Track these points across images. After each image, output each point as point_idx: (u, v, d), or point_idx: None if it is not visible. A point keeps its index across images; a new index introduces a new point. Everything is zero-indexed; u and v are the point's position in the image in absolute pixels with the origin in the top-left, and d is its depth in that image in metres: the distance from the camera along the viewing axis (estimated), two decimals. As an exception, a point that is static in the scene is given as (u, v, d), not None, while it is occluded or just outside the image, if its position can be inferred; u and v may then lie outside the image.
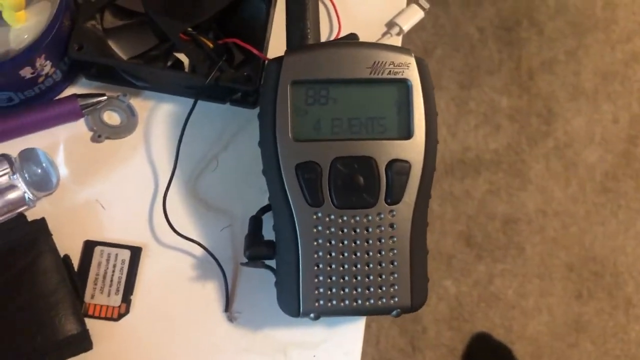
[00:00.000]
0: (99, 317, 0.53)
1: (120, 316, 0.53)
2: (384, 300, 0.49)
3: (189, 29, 0.55)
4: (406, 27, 0.61)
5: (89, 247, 0.54)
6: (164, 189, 0.54)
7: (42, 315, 0.51)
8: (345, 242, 0.48)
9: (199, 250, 0.55)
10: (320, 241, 0.48)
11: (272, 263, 0.51)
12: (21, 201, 0.53)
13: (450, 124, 1.36)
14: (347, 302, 0.48)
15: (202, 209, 0.56)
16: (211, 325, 0.54)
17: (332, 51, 0.49)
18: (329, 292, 0.48)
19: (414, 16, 0.62)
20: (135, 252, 0.54)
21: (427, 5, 0.62)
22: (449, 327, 1.25)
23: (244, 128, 0.58)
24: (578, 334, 1.27)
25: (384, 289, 0.49)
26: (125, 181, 0.56)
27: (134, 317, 0.53)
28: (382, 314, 0.50)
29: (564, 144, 1.37)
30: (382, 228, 0.48)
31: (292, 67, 0.48)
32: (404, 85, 0.49)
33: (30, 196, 0.53)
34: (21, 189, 0.53)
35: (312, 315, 0.49)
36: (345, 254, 0.48)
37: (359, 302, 0.48)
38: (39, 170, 0.54)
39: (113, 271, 0.54)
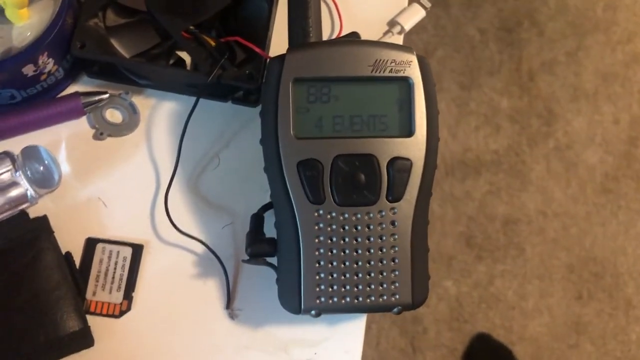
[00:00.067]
0: (101, 314, 0.53)
1: (122, 313, 0.53)
2: (385, 297, 0.49)
3: (191, 27, 0.56)
4: (407, 26, 0.61)
5: (91, 244, 0.54)
6: (166, 187, 0.55)
7: (43, 312, 0.51)
8: (347, 240, 0.48)
9: (200, 248, 0.55)
10: (321, 238, 0.48)
11: (273, 260, 0.51)
12: (23, 198, 0.53)
13: (451, 124, 1.36)
14: (348, 299, 0.49)
15: (204, 206, 0.56)
16: (212, 323, 0.54)
17: (334, 49, 0.50)
18: (330, 290, 0.48)
19: (415, 15, 0.62)
20: (137, 250, 0.54)
21: (428, 4, 0.62)
22: (449, 328, 1.25)
23: (245, 126, 0.58)
24: (578, 335, 1.27)
25: (385, 286, 0.49)
26: (127, 179, 0.56)
27: (136, 314, 0.53)
28: (383, 311, 0.50)
29: (564, 145, 1.37)
30: (383, 225, 0.49)
31: (294, 65, 0.49)
32: (406, 83, 0.49)
33: (33, 193, 0.53)
34: (23, 186, 0.53)
35: (313, 312, 0.49)
36: (347, 251, 0.48)
37: (360, 299, 0.49)
38: (41, 168, 0.54)
39: (115, 268, 0.54)
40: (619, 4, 1.47)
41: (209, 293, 0.54)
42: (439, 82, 1.36)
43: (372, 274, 0.49)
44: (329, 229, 0.48)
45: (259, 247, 0.51)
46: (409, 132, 0.49)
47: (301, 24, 0.52)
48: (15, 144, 0.55)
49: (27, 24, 0.53)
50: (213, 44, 0.55)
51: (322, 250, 0.48)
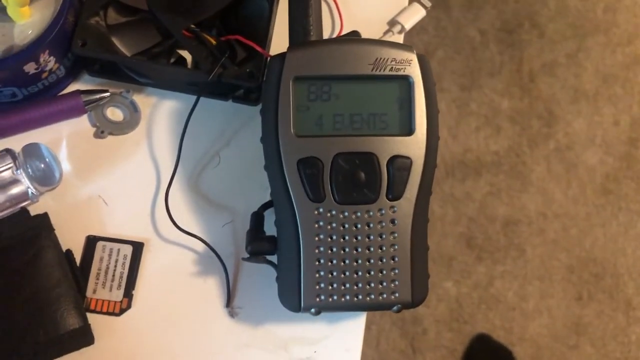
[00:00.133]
0: (101, 312, 0.53)
1: (122, 311, 0.53)
2: (385, 295, 0.49)
3: (192, 26, 0.56)
4: (408, 25, 0.61)
5: (91, 242, 0.54)
6: (166, 185, 0.55)
7: (44, 309, 0.51)
8: (347, 238, 0.49)
9: (200, 246, 0.55)
10: (321, 236, 0.48)
11: (273, 258, 0.51)
12: (24, 196, 0.53)
13: (451, 125, 1.36)
14: (348, 297, 0.49)
15: (204, 204, 0.56)
16: (212, 321, 0.54)
17: (334, 47, 0.50)
18: (330, 288, 0.48)
19: (415, 14, 0.62)
20: (137, 248, 0.54)
21: (428, 4, 0.62)
22: (449, 329, 1.25)
23: (246, 125, 0.58)
24: (578, 336, 1.27)
25: (384, 284, 0.49)
26: (127, 177, 0.57)
27: (136, 312, 0.54)
28: (382, 310, 0.50)
29: (564, 146, 1.37)
30: (383, 224, 0.49)
31: (295, 63, 0.49)
32: (406, 81, 0.50)
33: (33, 191, 0.53)
34: (24, 184, 0.53)
35: (313, 310, 0.49)
36: (347, 250, 0.48)
37: (360, 297, 0.49)
38: (42, 166, 0.54)
39: (115, 266, 0.54)
40: (619, 6, 1.47)
41: (209, 291, 0.54)
42: (439, 83, 1.37)
43: (372, 272, 0.49)
44: (328, 227, 0.48)
45: (259, 245, 0.51)
46: (409, 130, 0.49)
47: (302, 23, 0.52)
48: (17, 142, 0.55)
49: (28, 22, 0.53)
50: (214, 42, 0.56)
51: (322, 249, 0.48)
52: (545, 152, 1.36)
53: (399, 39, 0.62)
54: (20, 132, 0.56)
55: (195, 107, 0.55)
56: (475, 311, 1.27)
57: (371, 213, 0.49)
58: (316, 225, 0.48)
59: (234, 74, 0.55)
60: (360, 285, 0.49)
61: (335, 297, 0.48)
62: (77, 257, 0.54)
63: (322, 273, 0.48)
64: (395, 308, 0.49)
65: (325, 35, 0.58)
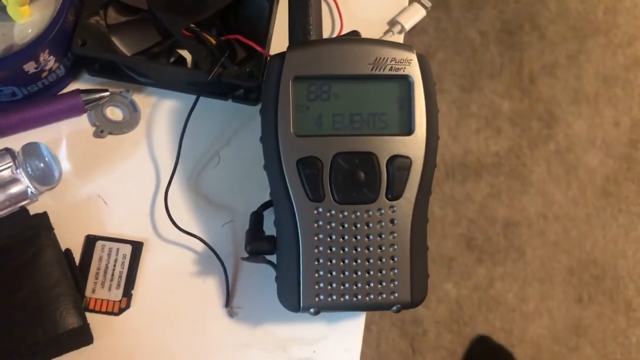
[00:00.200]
0: (100, 312, 0.53)
1: (121, 310, 0.53)
2: (384, 295, 0.49)
3: (192, 26, 0.56)
4: (408, 26, 0.61)
5: (91, 241, 0.54)
6: (166, 185, 0.55)
7: (43, 309, 0.51)
8: (346, 238, 0.48)
9: (200, 246, 0.55)
10: (320, 236, 0.48)
11: (272, 258, 0.51)
12: (23, 195, 0.53)
13: (452, 126, 1.36)
14: (347, 297, 0.49)
15: (204, 204, 0.56)
16: (211, 320, 0.54)
17: (334, 47, 0.50)
18: (329, 287, 0.48)
19: (415, 15, 0.62)
20: (137, 247, 0.54)
21: (428, 4, 0.62)
22: (449, 330, 1.25)
23: (245, 124, 0.58)
24: (578, 337, 1.27)
25: (384, 284, 0.49)
26: (127, 176, 0.57)
27: (135, 312, 0.53)
28: (382, 310, 0.50)
29: (565, 147, 1.37)
30: (383, 223, 0.49)
31: (294, 62, 0.49)
32: (406, 81, 0.49)
33: (33, 190, 0.53)
34: (24, 183, 0.53)
35: (312, 310, 0.49)
36: (346, 249, 0.48)
37: (359, 297, 0.49)
38: (42, 165, 0.54)
39: (114, 266, 0.54)
40: (619, 8, 1.47)
41: (208, 291, 0.54)
42: (439, 85, 1.36)
43: (371, 272, 0.49)
44: (328, 226, 0.48)
45: (258, 244, 0.51)
46: (408, 130, 0.49)
47: (301, 22, 0.52)
48: (16, 141, 0.55)
49: (28, 21, 0.53)
50: (214, 42, 0.56)
51: (321, 248, 0.48)
52: (545, 154, 1.36)
53: (399, 39, 0.62)
54: (20, 132, 0.56)
55: (194, 106, 0.55)
56: (475, 313, 1.27)
57: (370, 213, 0.49)
58: (315, 225, 0.48)
59: (234, 73, 0.55)
60: (359, 285, 0.49)
61: (334, 297, 0.48)
62: (77, 257, 0.54)
63: (321, 273, 0.48)
64: (394, 308, 0.49)
65: (325, 35, 0.58)
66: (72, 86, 0.58)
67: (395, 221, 0.49)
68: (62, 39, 0.54)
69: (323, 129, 0.49)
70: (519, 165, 1.35)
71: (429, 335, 1.24)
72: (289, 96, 0.48)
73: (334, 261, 0.48)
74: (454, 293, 1.27)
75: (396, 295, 0.49)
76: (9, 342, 0.50)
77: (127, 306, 0.53)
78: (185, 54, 0.58)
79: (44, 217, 0.53)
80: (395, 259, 0.49)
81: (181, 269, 0.55)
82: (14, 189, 0.53)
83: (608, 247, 1.32)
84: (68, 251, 0.53)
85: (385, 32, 0.61)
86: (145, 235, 0.55)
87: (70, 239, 0.54)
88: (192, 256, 0.55)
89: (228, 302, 0.54)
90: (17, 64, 0.52)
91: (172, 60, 0.57)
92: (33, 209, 0.54)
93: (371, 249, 0.49)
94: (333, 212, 0.48)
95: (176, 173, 0.55)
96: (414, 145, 0.49)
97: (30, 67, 0.53)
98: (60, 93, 0.57)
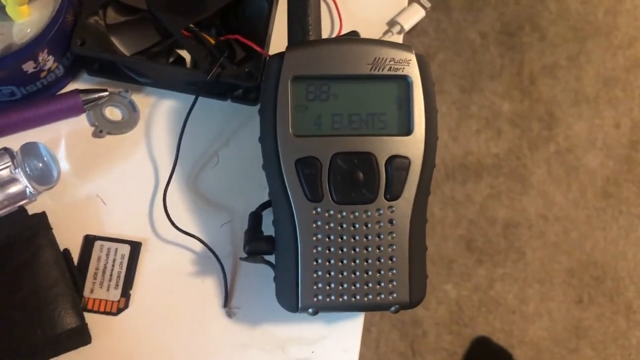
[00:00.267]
0: (98, 312, 0.53)
1: (119, 311, 0.53)
2: (383, 296, 0.49)
3: (191, 26, 0.56)
4: (407, 26, 0.61)
5: (89, 241, 0.54)
6: (165, 185, 0.55)
7: (41, 308, 0.51)
8: (344, 238, 0.48)
9: (198, 246, 0.55)
10: (319, 236, 0.48)
11: (271, 258, 0.51)
12: (22, 195, 0.53)
13: (452, 128, 1.36)
14: (345, 297, 0.48)
15: (202, 204, 0.56)
16: (210, 321, 0.54)
17: (333, 47, 0.50)
18: (328, 288, 0.48)
19: (415, 15, 0.62)
20: (135, 247, 0.54)
21: (428, 4, 0.62)
22: (449, 331, 1.25)
23: (244, 124, 0.58)
24: (578, 339, 1.27)
25: (382, 284, 0.49)
26: (126, 176, 0.56)
27: (133, 312, 0.53)
28: (380, 310, 0.50)
29: (565, 149, 1.37)
30: (381, 224, 0.49)
31: (293, 62, 0.49)
32: (405, 81, 0.49)
33: (32, 190, 0.53)
34: (22, 183, 0.53)
35: (310, 310, 0.49)
36: (344, 250, 0.48)
37: (358, 297, 0.49)
38: (40, 165, 0.54)
39: (113, 266, 0.54)
40: (619, 9, 1.47)
41: (206, 291, 0.54)
42: (439, 85, 1.37)
43: (370, 273, 0.49)
44: (326, 227, 0.48)
45: (257, 245, 0.51)
46: (407, 130, 0.49)
47: (301, 23, 0.52)
48: (15, 141, 0.55)
49: (27, 20, 0.53)
50: (213, 42, 0.56)
51: (319, 249, 0.48)
52: (545, 155, 1.36)
53: (399, 39, 0.62)
54: (19, 131, 0.56)
55: (193, 106, 0.55)
56: (475, 314, 1.27)
57: (369, 213, 0.48)
58: (314, 225, 0.48)
59: (233, 73, 0.55)
60: (358, 285, 0.48)
61: (333, 297, 0.48)
62: (75, 257, 0.54)
63: (319, 273, 0.48)
64: (393, 308, 0.49)
65: (325, 35, 0.58)
66: (71, 86, 0.58)
67: (393, 221, 0.49)
68: (61, 38, 0.54)
69: (322, 129, 0.49)
70: (519, 167, 1.35)
71: (429, 337, 1.24)
72: (288, 96, 0.48)
73: (332, 261, 0.48)
74: (454, 294, 1.27)
75: (394, 295, 0.49)
76: (8, 341, 0.50)
77: (126, 306, 0.53)
78: (185, 54, 0.58)
79: (42, 217, 0.53)
80: (394, 259, 0.49)
81: (180, 269, 0.55)
82: (13, 189, 0.53)
83: (608, 249, 1.32)
84: (66, 251, 0.53)
85: (385, 33, 0.61)
86: (143, 236, 0.55)
87: (69, 239, 0.54)
88: (190, 256, 0.55)
89: (226, 302, 0.54)
90: (16, 63, 0.52)
91: (171, 60, 0.57)
92: (32, 209, 0.54)
93: (370, 249, 0.48)
94: (332, 212, 0.48)
95: (175, 173, 0.55)
96: (412, 146, 0.49)
97: (29, 66, 0.53)
98: (59, 93, 0.57)
